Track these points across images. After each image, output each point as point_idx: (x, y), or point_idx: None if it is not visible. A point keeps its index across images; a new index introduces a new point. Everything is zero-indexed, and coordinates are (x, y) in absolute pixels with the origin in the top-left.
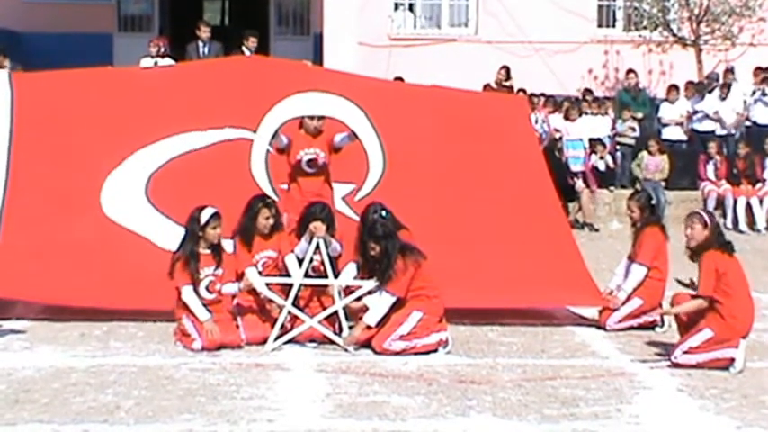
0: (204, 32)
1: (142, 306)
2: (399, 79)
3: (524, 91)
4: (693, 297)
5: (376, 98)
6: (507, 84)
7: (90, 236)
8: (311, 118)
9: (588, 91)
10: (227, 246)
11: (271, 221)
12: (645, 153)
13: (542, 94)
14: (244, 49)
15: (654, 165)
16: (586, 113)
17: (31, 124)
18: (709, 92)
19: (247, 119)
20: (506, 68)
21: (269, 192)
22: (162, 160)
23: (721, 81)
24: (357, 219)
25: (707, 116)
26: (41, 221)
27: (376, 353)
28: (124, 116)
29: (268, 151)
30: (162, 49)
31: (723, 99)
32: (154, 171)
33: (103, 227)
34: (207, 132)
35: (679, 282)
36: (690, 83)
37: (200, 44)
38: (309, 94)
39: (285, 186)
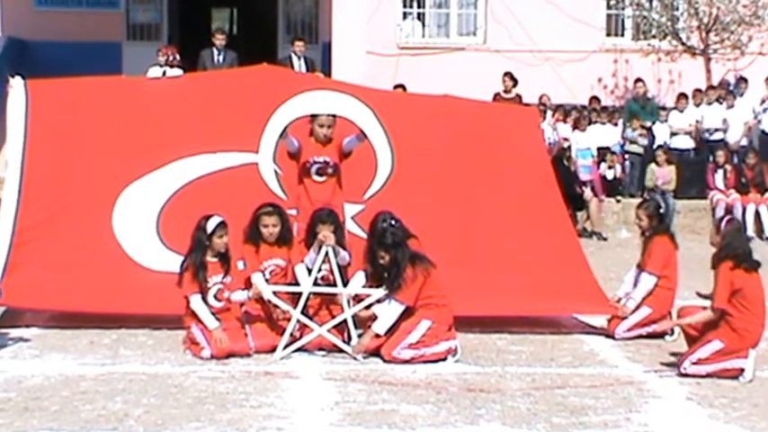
0: (219, 40)
1: (153, 311)
2: (401, 86)
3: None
4: (705, 308)
5: (387, 103)
6: (513, 92)
7: (101, 248)
8: (321, 125)
9: (596, 99)
10: (239, 264)
11: (273, 230)
12: (653, 165)
13: (544, 103)
14: (292, 54)
15: (662, 176)
16: (595, 123)
17: (45, 130)
18: (718, 100)
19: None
20: (509, 75)
21: (277, 190)
22: (173, 189)
23: (734, 89)
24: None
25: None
26: (54, 229)
27: (385, 361)
28: (138, 129)
29: (275, 149)
30: (171, 58)
31: (730, 107)
32: (165, 203)
33: (115, 250)
34: (217, 155)
35: (699, 294)
36: (698, 90)
37: (215, 51)
38: (318, 92)
39: (294, 212)
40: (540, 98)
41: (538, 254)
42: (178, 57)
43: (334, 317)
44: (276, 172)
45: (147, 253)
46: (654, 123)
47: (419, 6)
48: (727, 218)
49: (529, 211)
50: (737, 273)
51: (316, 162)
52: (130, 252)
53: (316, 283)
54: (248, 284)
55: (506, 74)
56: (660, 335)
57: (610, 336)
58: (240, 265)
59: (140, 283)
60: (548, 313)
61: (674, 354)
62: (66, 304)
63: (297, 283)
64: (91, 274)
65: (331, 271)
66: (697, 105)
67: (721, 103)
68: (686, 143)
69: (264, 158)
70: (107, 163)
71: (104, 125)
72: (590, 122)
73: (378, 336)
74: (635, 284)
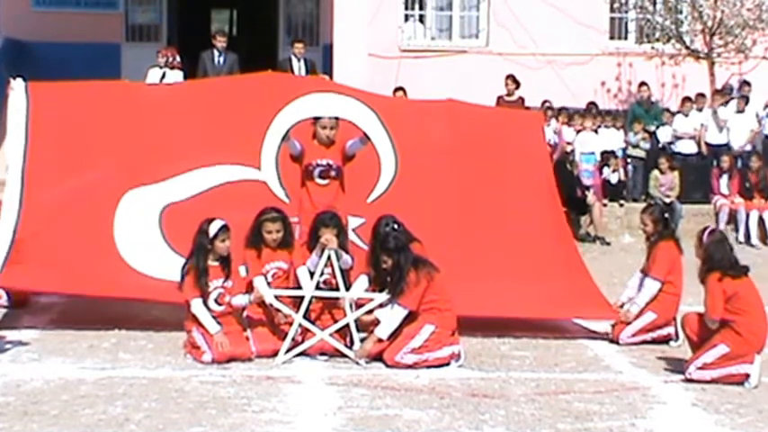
0: (220, 42)
1: (154, 296)
2: (401, 90)
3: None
4: (701, 316)
5: (390, 107)
6: (516, 95)
7: (100, 255)
8: (323, 127)
9: (593, 104)
10: (240, 270)
11: (277, 235)
12: (656, 172)
13: (551, 107)
14: (291, 55)
15: (666, 183)
16: (599, 127)
17: (45, 134)
18: (724, 105)
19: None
20: (512, 78)
21: (279, 192)
22: (175, 200)
23: (737, 93)
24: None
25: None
26: (53, 233)
27: (387, 366)
28: (141, 138)
29: (278, 151)
30: (171, 59)
31: (740, 112)
32: (166, 213)
33: (114, 258)
34: (219, 168)
35: None
36: (700, 95)
37: (216, 53)
38: (321, 95)
39: (296, 219)
40: (544, 103)
41: (539, 259)
42: (178, 58)
43: (336, 321)
44: (279, 179)
45: (150, 263)
46: (657, 128)
47: (421, 8)
48: (709, 229)
49: (530, 217)
50: (726, 281)
51: (318, 165)
52: (131, 262)
53: (318, 287)
54: (250, 288)
55: (509, 77)
56: (665, 340)
57: (614, 341)
58: (242, 271)
59: (141, 285)
60: (550, 317)
61: (678, 359)
62: (64, 286)
63: (299, 287)
64: (90, 280)
65: (333, 275)
66: (700, 110)
67: (726, 106)
68: (690, 147)
69: (267, 165)
70: (108, 170)
71: (106, 131)
72: (596, 128)
73: (380, 340)
74: (639, 289)
